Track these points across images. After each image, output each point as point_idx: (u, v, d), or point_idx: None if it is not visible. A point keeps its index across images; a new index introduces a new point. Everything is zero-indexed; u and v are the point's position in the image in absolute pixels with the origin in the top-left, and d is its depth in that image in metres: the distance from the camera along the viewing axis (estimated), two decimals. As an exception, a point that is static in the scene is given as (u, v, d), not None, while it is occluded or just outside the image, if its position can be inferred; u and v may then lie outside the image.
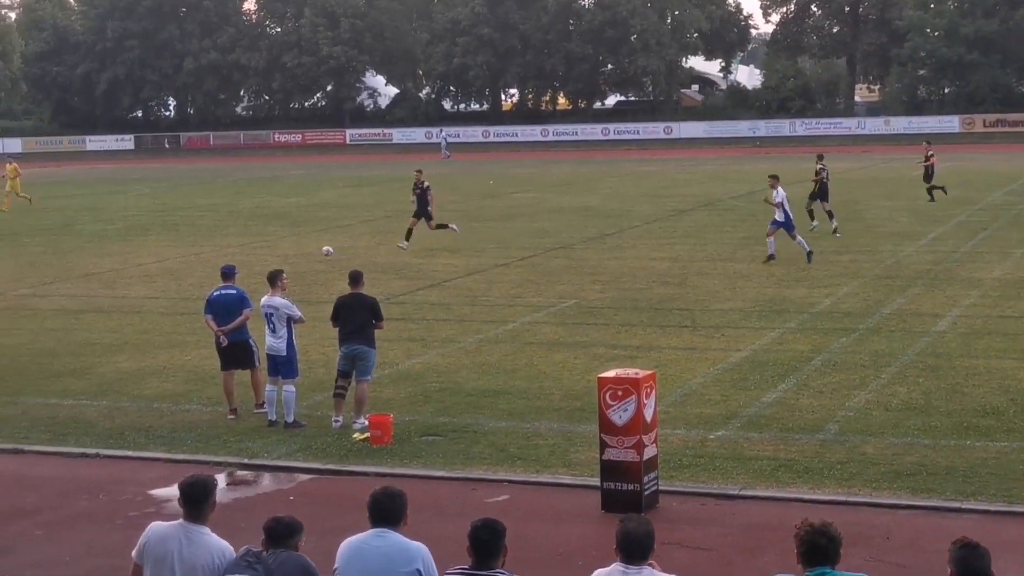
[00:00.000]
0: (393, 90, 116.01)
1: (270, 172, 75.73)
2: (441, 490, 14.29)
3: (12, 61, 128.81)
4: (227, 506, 13.52)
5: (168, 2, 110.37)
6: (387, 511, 7.89)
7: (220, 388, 17.86)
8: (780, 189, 31.17)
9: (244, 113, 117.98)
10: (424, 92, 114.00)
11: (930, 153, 45.18)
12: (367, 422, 16.36)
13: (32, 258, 36.20)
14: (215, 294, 17.92)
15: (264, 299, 17.21)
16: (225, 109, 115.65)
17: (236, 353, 17.64)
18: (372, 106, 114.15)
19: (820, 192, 37.72)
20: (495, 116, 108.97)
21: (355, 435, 16.28)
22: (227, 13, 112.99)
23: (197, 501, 8.07)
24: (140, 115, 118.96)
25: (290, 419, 16.90)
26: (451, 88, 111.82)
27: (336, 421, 16.80)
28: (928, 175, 44.76)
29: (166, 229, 43.31)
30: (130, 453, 16.24)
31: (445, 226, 36.22)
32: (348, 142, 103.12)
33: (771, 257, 30.70)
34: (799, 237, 31.03)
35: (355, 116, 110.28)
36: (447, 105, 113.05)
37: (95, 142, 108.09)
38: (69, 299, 28.52)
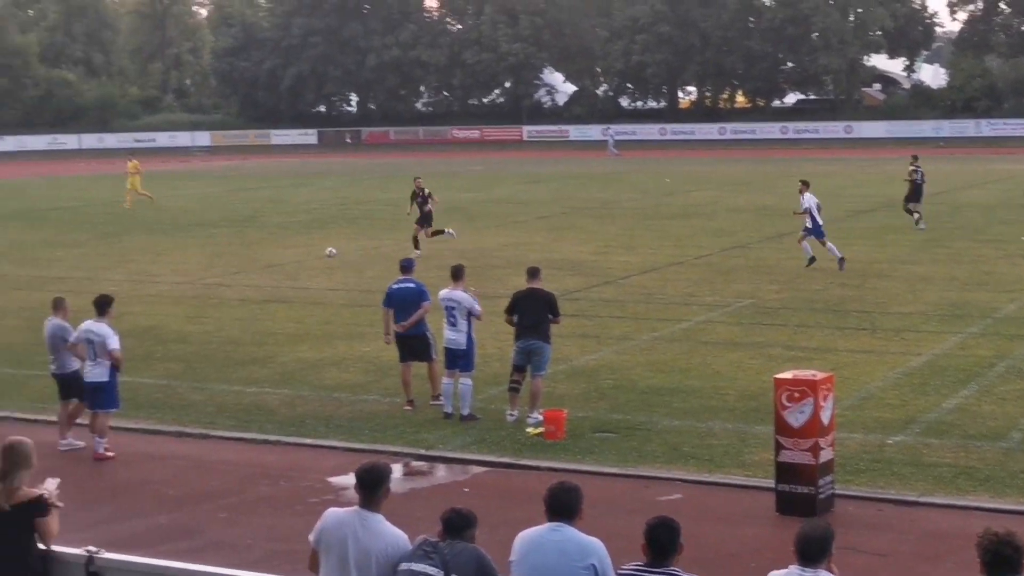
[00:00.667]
0: (571, 87, 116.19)
1: (448, 167, 76.53)
2: (614, 487, 14.33)
3: (202, 56, 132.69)
4: (403, 496, 13.78)
5: (352, 0, 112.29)
6: (563, 505, 7.96)
7: (398, 379, 18.19)
8: (808, 195, 30.67)
9: (424, 109, 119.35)
10: (601, 89, 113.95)
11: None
12: (541, 417, 16.48)
13: (219, 248, 37.23)
14: (394, 287, 18.19)
15: (445, 292, 17.42)
16: (405, 105, 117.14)
17: (414, 345, 17.94)
18: (550, 103, 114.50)
19: (914, 194, 37.26)
20: (672, 114, 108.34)
21: (529, 429, 16.41)
22: (409, 10, 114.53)
23: (372, 487, 8.23)
24: (323, 110, 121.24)
25: (466, 412, 17.12)
26: (628, 85, 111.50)
27: (511, 415, 16.96)
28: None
29: (347, 222, 44.14)
30: (310, 441, 16.63)
31: (441, 231, 36.48)
32: (525, 139, 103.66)
33: (811, 260, 30.08)
34: (829, 244, 30.35)
35: (532, 113, 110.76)
36: (624, 102, 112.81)
37: (279, 136, 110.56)
38: (253, 289, 29.26)
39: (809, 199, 30.56)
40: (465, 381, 17.23)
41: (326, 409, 18.05)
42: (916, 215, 37.33)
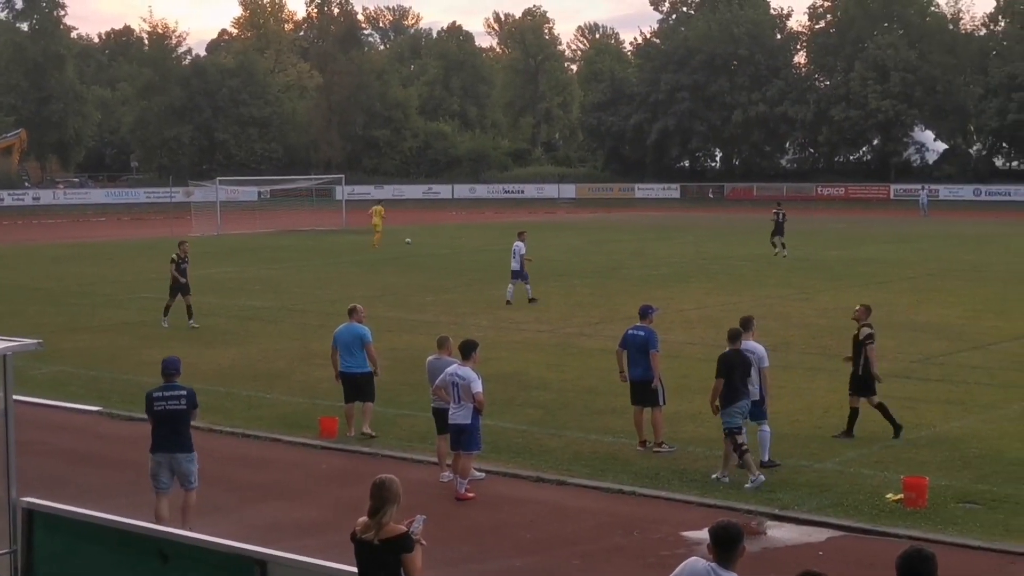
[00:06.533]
0: (941, 145, 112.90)
1: (812, 225, 75.53)
2: (977, 561, 13.81)
3: (571, 111, 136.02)
4: (756, 556, 13.67)
5: (720, 56, 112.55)
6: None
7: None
8: (519, 243, 36.65)
9: (788, 165, 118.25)
10: (974, 148, 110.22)
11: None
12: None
13: (581, 299, 37.93)
14: (629, 332, 19.51)
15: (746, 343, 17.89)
16: (770, 161, 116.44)
17: (645, 392, 18.96)
18: (919, 161, 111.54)
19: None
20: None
21: (889, 495, 16.01)
22: (777, 67, 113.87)
23: (727, 545, 8.23)
24: (687, 165, 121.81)
25: (765, 458, 17.64)
26: (1004, 144, 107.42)
27: (724, 476, 17.08)
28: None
29: (707, 277, 44.17)
30: (664, 494, 16.70)
31: (167, 312, 32.88)
32: (892, 197, 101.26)
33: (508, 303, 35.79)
34: (511, 288, 36.22)
35: (900, 171, 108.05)
36: (998, 162, 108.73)
37: (643, 190, 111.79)
38: (613, 340, 29.33)
39: (520, 247, 36.59)
40: (764, 428, 17.74)
41: (681, 463, 18.12)
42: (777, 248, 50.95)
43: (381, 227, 60.06)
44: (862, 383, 19.15)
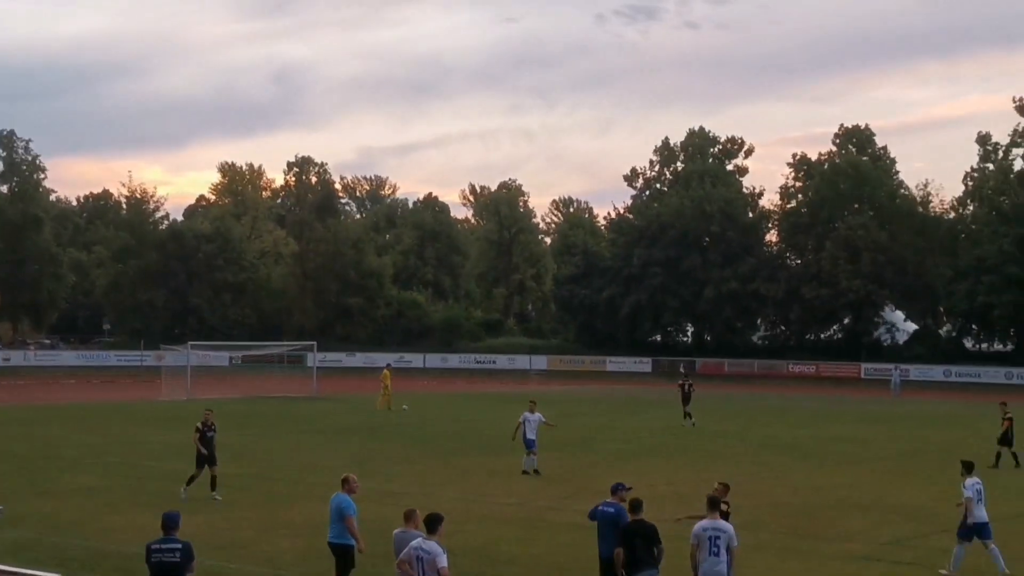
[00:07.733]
0: (912, 326, 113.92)
1: (782, 402, 75.71)
2: None
3: (544, 283, 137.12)
4: None
5: (693, 233, 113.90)
6: None
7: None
8: (527, 413, 38.45)
9: (759, 342, 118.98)
10: (944, 329, 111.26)
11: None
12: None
13: (551, 472, 37.66)
14: (600, 507, 19.36)
15: (705, 523, 17.62)
16: (741, 337, 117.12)
17: (613, 569, 18.42)
18: (889, 341, 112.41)
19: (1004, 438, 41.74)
20: (1019, 357, 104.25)
21: None
22: (750, 244, 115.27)
23: None
24: (658, 339, 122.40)
25: None
26: (973, 326, 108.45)
27: None
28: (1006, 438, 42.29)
29: (678, 452, 44.04)
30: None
31: (189, 483, 31.73)
32: (863, 376, 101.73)
33: (525, 472, 37.00)
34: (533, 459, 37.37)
35: (871, 350, 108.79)
36: (968, 343, 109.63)
37: (615, 363, 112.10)
38: (582, 515, 29.28)
39: (533, 417, 38.16)
40: None
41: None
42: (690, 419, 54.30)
43: (390, 390, 64.81)
44: None
